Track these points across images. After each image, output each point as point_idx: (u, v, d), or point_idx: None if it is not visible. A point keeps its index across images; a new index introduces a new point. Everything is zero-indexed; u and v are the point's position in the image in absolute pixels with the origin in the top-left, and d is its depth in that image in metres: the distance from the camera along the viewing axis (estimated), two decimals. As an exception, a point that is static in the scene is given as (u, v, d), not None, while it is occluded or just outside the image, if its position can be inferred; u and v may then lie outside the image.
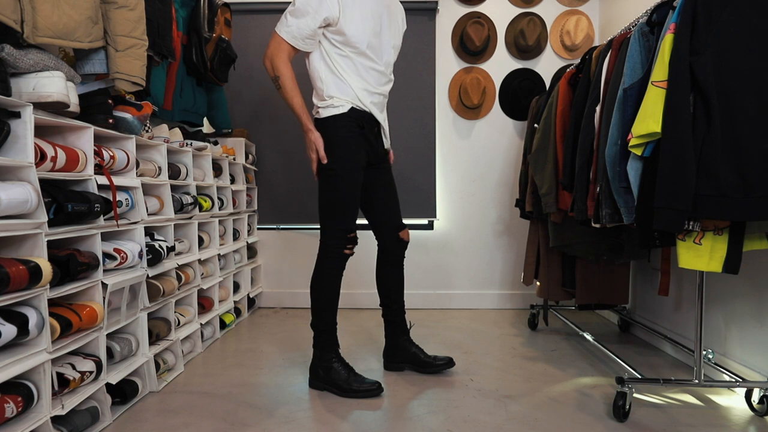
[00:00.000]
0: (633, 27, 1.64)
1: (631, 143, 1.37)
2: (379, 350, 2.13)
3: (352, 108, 1.72)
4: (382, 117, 1.82)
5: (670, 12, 1.37)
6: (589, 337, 2.11)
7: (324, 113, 1.73)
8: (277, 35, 1.67)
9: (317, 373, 1.79)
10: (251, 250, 3.04)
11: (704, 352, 1.70)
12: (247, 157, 2.96)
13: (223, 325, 2.53)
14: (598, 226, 1.66)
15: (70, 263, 1.34)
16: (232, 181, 2.78)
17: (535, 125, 2.34)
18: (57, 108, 1.31)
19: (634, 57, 1.51)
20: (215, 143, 2.53)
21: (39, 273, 1.19)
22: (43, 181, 1.29)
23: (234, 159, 2.79)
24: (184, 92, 2.35)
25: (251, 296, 2.98)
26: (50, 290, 1.26)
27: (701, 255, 1.30)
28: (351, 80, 1.71)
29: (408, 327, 2.02)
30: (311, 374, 1.82)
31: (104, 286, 1.47)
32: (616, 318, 2.67)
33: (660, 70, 1.31)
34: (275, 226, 3.17)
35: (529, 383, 1.85)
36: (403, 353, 1.98)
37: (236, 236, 2.80)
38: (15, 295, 1.14)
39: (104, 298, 1.47)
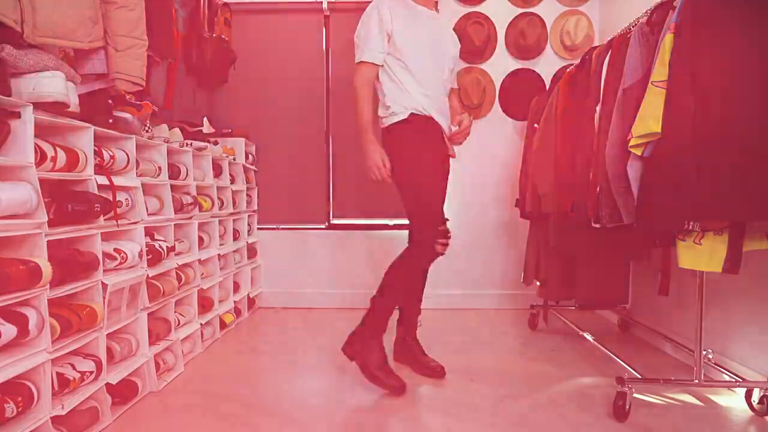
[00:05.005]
0: (633, 27, 1.64)
1: (630, 143, 1.37)
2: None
3: (412, 114, 1.79)
4: (444, 122, 1.86)
5: (671, 12, 1.37)
6: (589, 337, 2.12)
7: (387, 122, 1.83)
8: (356, 63, 1.82)
9: (354, 342, 1.80)
10: (251, 250, 3.04)
11: (704, 352, 1.70)
12: (247, 157, 2.96)
13: (223, 325, 2.52)
14: (598, 226, 1.66)
15: (71, 264, 1.34)
16: (232, 181, 2.78)
17: (535, 125, 2.34)
18: (57, 108, 1.31)
19: (634, 57, 1.51)
20: (215, 143, 2.53)
21: (39, 273, 1.19)
22: (43, 181, 1.29)
23: (234, 159, 2.79)
24: (185, 92, 2.35)
25: (251, 296, 2.98)
26: (50, 290, 1.26)
27: (701, 255, 1.30)
28: (410, 88, 1.78)
29: (415, 327, 2.06)
30: (348, 341, 1.81)
31: (104, 286, 1.47)
32: (616, 318, 2.67)
33: (660, 71, 1.31)
34: (275, 226, 3.17)
35: (529, 383, 1.85)
36: (407, 351, 2.04)
37: (236, 236, 2.80)
38: (15, 295, 1.14)
39: (104, 298, 1.47)
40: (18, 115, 1.19)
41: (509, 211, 3.08)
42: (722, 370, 1.71)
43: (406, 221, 1.91)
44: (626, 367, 1.71)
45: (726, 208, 1.20)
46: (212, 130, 2.84)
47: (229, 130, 2.82)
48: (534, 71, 3.04)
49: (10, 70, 1.21)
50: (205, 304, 2.33)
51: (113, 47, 1.49)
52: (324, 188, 3.14)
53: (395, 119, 1.80)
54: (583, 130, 1.81)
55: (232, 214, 2.72)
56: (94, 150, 1.48)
